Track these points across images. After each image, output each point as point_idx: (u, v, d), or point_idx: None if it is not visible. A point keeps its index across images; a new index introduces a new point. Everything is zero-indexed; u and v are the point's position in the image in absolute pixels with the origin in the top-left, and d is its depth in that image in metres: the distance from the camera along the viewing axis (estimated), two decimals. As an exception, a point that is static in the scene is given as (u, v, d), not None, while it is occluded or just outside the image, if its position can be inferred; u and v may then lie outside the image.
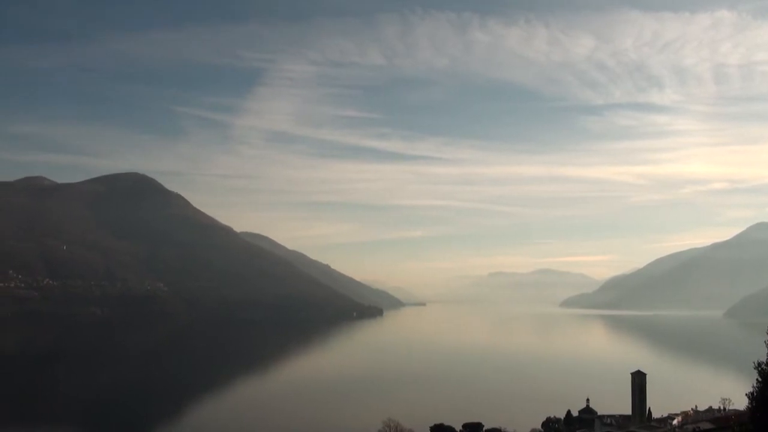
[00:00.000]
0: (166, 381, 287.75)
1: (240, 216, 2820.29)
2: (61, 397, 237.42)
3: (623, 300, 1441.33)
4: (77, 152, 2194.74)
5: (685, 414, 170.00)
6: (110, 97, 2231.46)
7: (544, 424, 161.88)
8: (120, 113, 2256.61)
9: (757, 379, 52.12)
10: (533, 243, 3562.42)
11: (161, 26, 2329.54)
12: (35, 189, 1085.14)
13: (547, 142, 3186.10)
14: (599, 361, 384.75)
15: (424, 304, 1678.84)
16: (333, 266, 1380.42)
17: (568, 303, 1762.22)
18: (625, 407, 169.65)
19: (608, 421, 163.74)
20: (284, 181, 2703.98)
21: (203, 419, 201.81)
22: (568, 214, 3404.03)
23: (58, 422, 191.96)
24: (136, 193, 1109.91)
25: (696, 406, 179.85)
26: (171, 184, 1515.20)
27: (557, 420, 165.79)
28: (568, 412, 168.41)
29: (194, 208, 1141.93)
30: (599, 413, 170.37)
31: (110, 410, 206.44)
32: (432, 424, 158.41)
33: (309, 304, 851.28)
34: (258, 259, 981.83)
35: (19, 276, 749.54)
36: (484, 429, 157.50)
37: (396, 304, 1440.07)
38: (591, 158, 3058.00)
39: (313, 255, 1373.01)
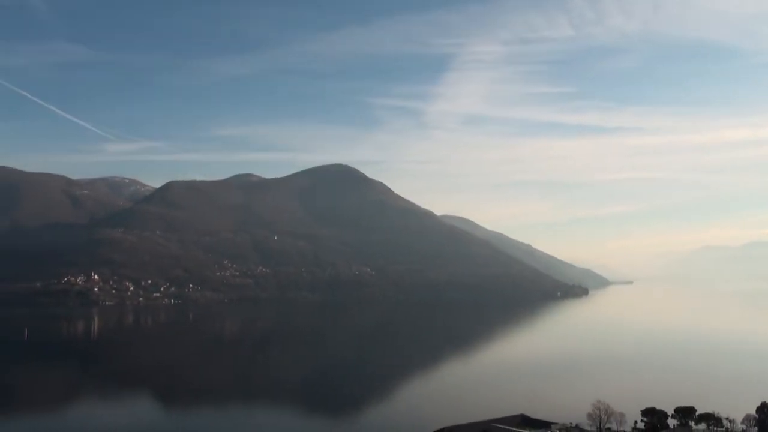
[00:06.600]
0: (378, 360, 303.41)
1: (439, 199, 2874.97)
2: (283, 375, 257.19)
3: None
4: (282, 149, 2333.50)
5: None
6: (308, 94, 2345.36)
7: (758, 410, 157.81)
8: (318, 109, 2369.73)
9: None
10: (743, 214, 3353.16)
11: (350, 24, 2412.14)
12: (245, 185, 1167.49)
13: (750, 102, 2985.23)
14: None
15: (631, 283, 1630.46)
16: (534, 245, 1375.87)
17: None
18: None
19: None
20: (479, 162, 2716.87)
21: (413, 397, 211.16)
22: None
23: (280, 398, 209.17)
24: (341, 183, 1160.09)
25: None
26: (372, 173, 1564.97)
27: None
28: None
29: (395, 195, 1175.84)
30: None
31: (327, 387, 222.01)
32: (643, 408, 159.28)
33: (512, 285, 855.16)
34: (460, 241, 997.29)
35: (234, 265, 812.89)
36: (696, 413, 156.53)
37: (602, 282, 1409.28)
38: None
39: (514, 235, 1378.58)
